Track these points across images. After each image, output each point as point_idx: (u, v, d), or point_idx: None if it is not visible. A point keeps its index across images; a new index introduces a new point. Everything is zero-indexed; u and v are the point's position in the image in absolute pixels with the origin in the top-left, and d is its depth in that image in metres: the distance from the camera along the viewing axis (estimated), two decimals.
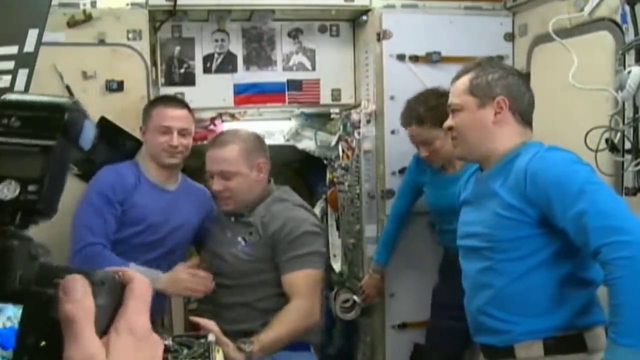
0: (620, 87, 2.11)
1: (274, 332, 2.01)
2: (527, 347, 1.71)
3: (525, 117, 1.81)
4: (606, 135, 2.19)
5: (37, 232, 0.54)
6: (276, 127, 4.00)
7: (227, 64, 3.08)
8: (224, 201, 2.27)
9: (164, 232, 2.40)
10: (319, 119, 3.61)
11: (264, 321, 2.08)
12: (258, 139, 2.39)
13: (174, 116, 2.40)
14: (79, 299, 0.49)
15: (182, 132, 2.40)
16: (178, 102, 2.52)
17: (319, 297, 2.17)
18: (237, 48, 3.09)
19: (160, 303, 2.50)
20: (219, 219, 2.40)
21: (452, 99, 1.86)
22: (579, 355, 1.68)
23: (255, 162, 2.26)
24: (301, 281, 2.09)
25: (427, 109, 2.49)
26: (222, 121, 3.41)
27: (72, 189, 2.65)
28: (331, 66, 3.18)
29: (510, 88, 1.80)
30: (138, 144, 2.70)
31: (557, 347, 1.68)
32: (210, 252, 2.38)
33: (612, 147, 2.20)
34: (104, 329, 0.51)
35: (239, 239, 2.22)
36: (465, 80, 1.83)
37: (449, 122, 1.88)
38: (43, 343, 0.50)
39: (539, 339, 1.69)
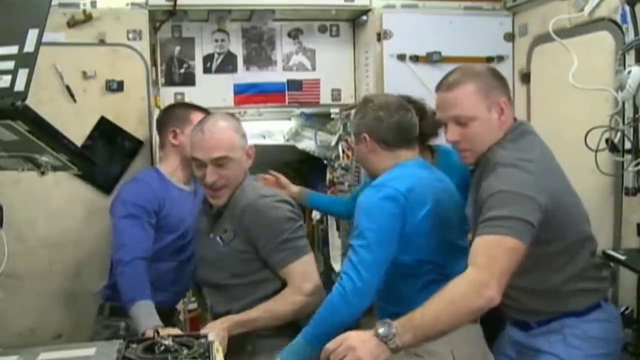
0: (620, 87, 2.11)
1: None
2: None
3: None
4: (606, 135, 2.19)
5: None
6: (276, 127, 4.01)
7: (227, 64, 3.09)
8: None
9: (192, 233, 2.41)
10: (319, 119, 3.61)
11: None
12: None
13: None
14: None
15: None
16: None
17: None
18: (237, 48, 3.09)
19: (173, 299, 2.51)
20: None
21: None
22: None
23: None
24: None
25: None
26: None
27: (73, 189, 2.65)
28: (331, 66, 3.18)
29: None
30: (138, 144, 2.71)
31: None
32: None
33: (612, 147, 2.21)
34: None
35: None
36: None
37: None
38: None
39: None
